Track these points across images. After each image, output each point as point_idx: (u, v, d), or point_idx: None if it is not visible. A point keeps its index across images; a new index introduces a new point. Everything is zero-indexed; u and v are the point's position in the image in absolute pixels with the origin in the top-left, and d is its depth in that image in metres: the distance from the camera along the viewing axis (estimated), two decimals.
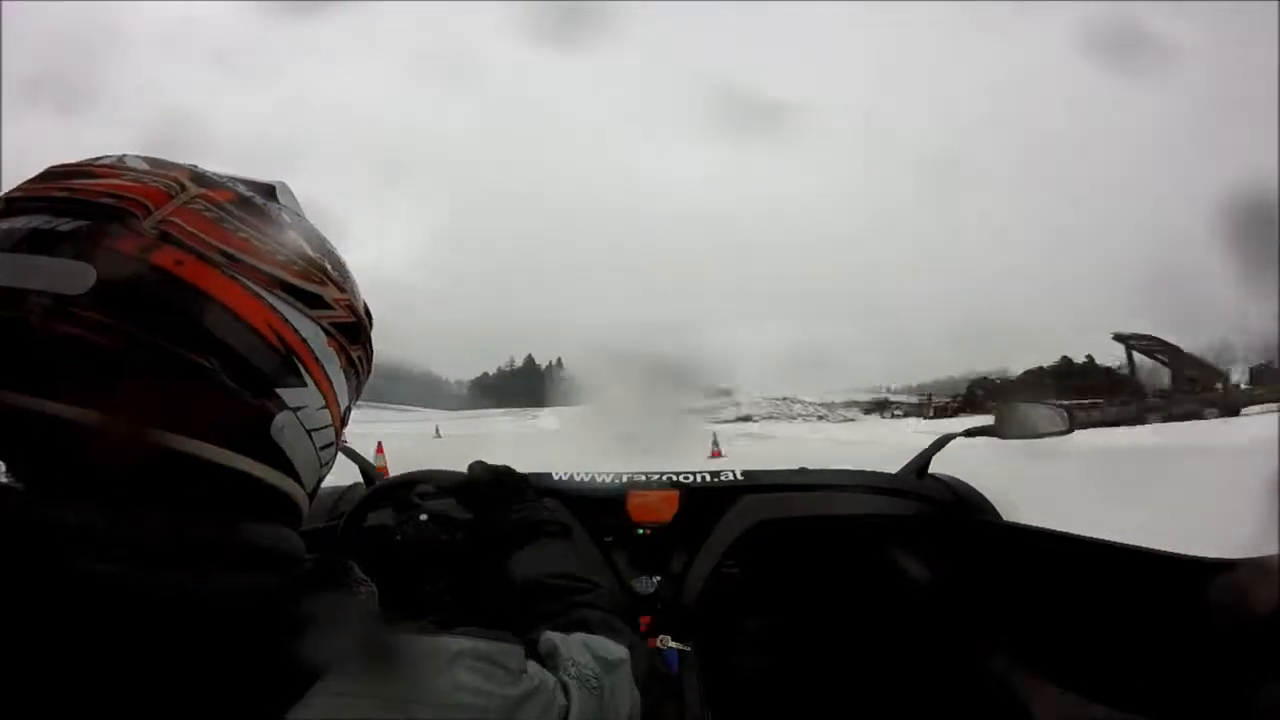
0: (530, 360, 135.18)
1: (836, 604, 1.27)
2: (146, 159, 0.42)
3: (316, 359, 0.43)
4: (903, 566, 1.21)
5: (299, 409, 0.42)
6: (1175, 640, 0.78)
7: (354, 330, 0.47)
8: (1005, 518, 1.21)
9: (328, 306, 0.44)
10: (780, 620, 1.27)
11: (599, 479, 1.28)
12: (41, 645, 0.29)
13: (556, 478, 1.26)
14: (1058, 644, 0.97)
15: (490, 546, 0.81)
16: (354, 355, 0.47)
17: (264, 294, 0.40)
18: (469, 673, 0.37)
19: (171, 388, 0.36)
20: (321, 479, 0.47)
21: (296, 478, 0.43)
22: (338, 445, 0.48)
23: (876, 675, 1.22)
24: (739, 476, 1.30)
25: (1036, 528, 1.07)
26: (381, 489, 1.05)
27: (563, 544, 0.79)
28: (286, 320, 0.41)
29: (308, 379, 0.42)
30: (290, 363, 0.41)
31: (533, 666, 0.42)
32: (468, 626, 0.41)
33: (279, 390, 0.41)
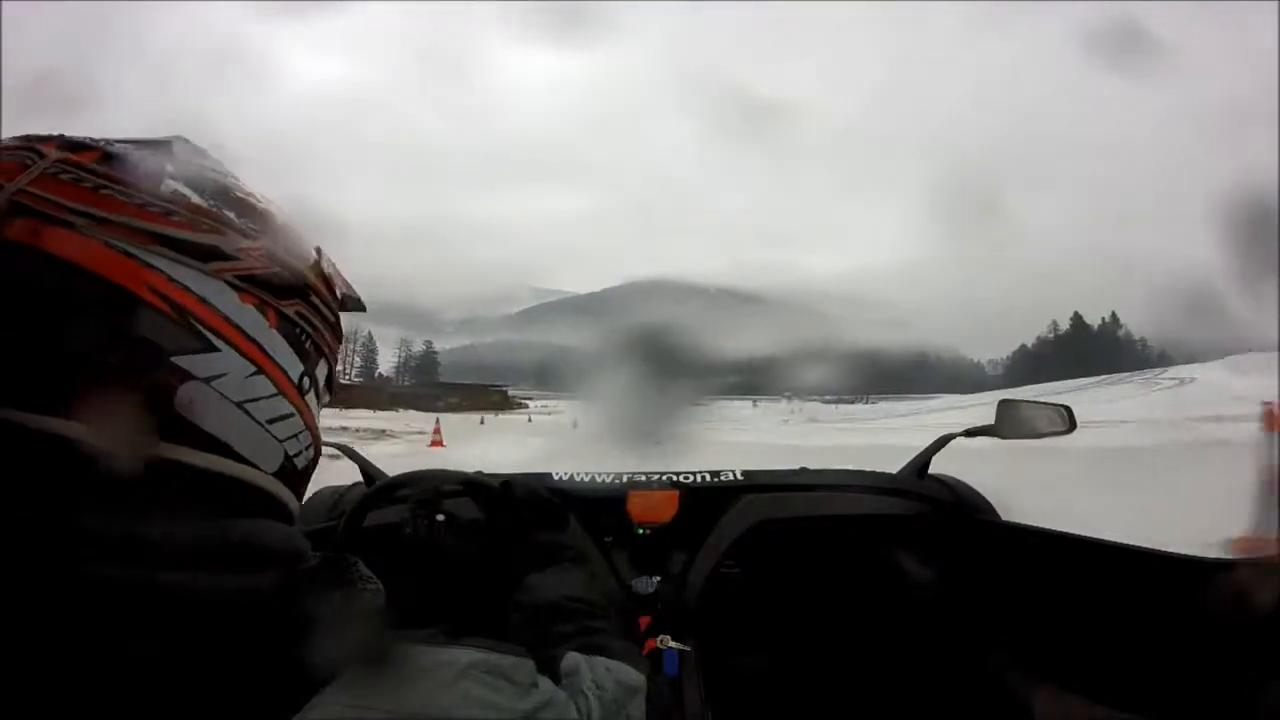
0: (1078, 319, 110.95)
1: (837, 604, 1.27)
2: (12, 137, 0.38)
3: (228, 320, 0.38)
4: (903, 566, 1.21)
5: (214, 378, 0.37)
6: (1175, 640, 0.78)
7: (278, 283, 0.41)
8: (1004, 517, 1.21)
9: (229, 258, 0.39)
10: (780, 620, 1.27)
11: (599, 479, 1.28)
12: (46, 648, 0.29)
13: (556, 478, 1.26)
14: (1058, 644, 0.97)
15: (506, 560, 0.82)
16: (288, 311, 0.42)
17: (136, 251, 0.36)
18: (479, 685, 0.36)
19: (52, 373, 0.33)
20: (293, 455, 0.42)
21: (239, 458, 0.38)
22: (306, 417, 0.43)
23: (877, 675, 1.22)
24: (739, 476, 1.30)
25: (1037, 528, 1.07)
26: (381, 489, 1.05)
27: (580, 569, 0.80)
28: (172, 278, 0.36)
29: (219, 343, 0.38)
30: (187, 326, 0.37)
31: (543, 681, 0.41)
32: (476, 638, 0.40)
33: (177, 359, 0.36)
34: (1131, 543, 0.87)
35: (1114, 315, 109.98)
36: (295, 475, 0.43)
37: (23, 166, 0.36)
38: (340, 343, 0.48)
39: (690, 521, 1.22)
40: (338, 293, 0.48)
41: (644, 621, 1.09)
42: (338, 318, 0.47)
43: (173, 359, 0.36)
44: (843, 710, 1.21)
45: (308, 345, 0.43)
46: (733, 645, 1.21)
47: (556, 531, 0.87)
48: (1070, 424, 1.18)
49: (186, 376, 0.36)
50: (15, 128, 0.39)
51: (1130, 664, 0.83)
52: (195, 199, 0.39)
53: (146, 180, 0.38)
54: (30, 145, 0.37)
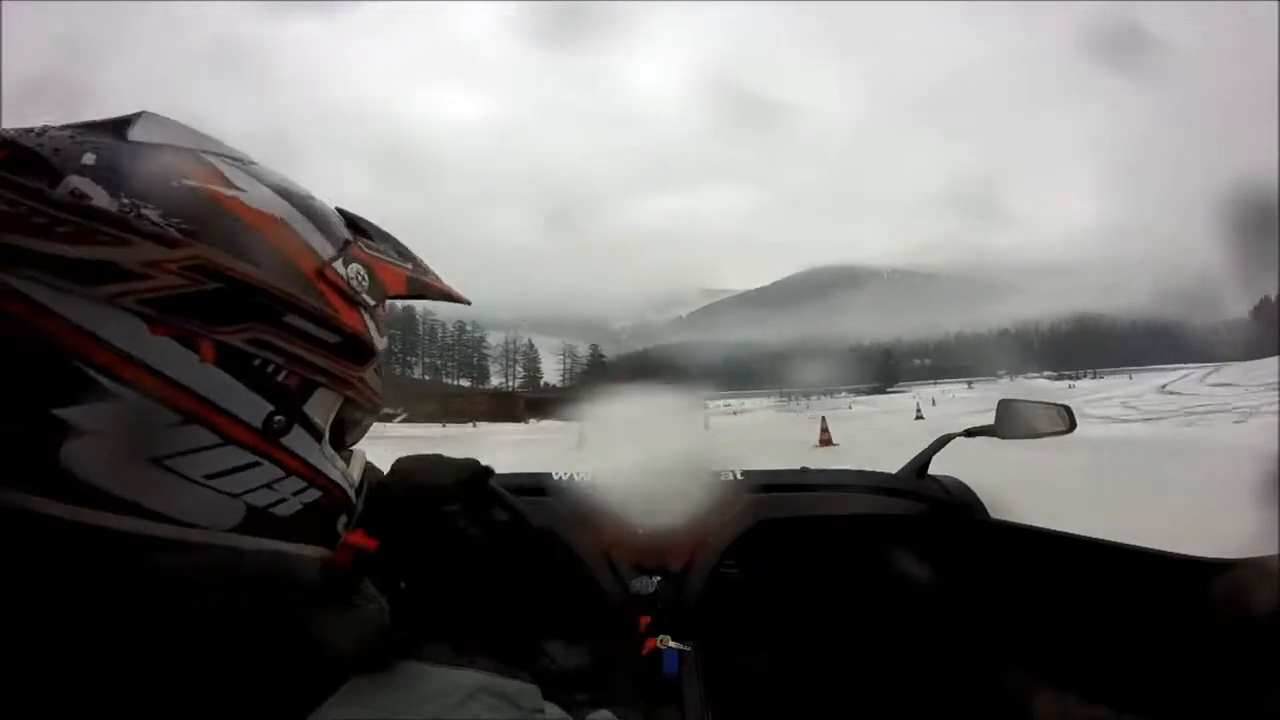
0: None
1: (836, 604, 1.27)
2: None
3: (130, 358, 0.31)
4: (903, 566, 1.21)
5: (111, 431, 0.31)
6: (1175, 640, 0.78)
7: (214, 303, 0.33)
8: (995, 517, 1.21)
9: (128, 276, 0.31)
10: (780, 620, 1.27)
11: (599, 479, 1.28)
12: (48, 660, 0.29)
13: (556, 478, 1.26)
14: (1058, 644, 0.97)
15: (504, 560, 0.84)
16: (233, 341, 0.33)
17: (10, 279, 0.29)
18: (486, 709, 0.37)
19: None
20: (268, 506, 0.36)
21: (166, 519, 0.32)
22: (290, 462, 0.36)
23: (877, 675, 1.22)
24: (739, 476, 1.30)
25: (1037, 528, 1.07)
26: (381, 487, 1.04)
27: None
28: (47, 309, 0.29)
29: (119, 389, 0.30)
30: (67, 370, 0.30)
31: (550, 708, 0.41)
32: (483, 658, 0.40)
33: (57, 411, 0.30)
34: (1131, 543, 0.87)
35: None
36: (283, 524, 0.37)
37: None
38: (364, 364, 0.40)
39: (690, 521, 1.22)
40: (363, 299, 0.40)
41: (644, 621, 1.09)
42: (350, 333, 0.38)
43: (52, 411, 0.30)
44: (843, 710, 1.21)
45: (281, 378, 0.35)
46: (733, 645, 1.21)
47: (517, 529, 0.91)
48: (1070, 424, 1.18)
49: (71, 432, 0.30)
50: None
51: (1130, 664, 0.83)
52: (99, 200, 0.31)
53: (45, 181, 0.31)
54: None
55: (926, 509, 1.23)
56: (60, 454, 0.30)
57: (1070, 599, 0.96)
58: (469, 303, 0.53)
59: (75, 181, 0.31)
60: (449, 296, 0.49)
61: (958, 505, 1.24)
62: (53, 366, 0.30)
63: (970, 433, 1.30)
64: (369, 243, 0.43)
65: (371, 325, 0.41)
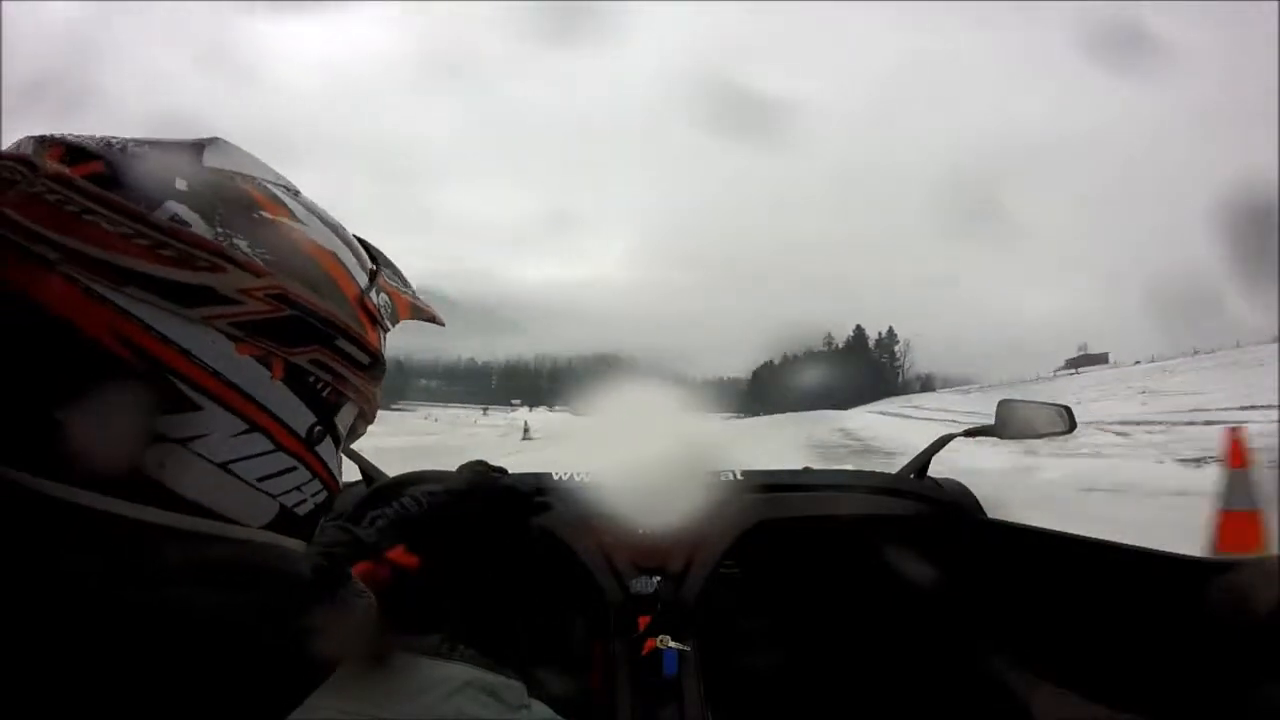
0: (860, 334, 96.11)
1: (836, 604, 1.27)
2: (21, 140, 0.34)
3: (217, 375, 0.33)
4: (903, 566, 1.21)
5: (192, 439, 0.33)
6: (1175, 640, 0.78)
7: (291, 328, 0.36)
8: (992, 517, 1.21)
9: (226, 301, 0.33)
10: (780, 620, 1.27)
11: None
12: (38, 657, 0.29)
13: (556, 478, 1.26)
14: (1058, 644, 0.97)
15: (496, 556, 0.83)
16: (299, 361, 0.37)
17: (109, 293, 0.31)
18: (472, 703, 0.37)
19: (6, 426, 0.31)
20: (293, 506, 0.38)
21: (216, 516, 0.35)
22: (316, 467, 0.39)
23: (877, 675, 1.22)
24: (739, 476, 1.30)
25: (1036, 528, 1.07)
26: (381, 489, 1.05)
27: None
28: (146, 325, 0.32)
29: (203, 401, 0.33)
30: (161, 381, 0.32)
31: (536, 705, 0.42)
32: (473, 652, 0.41)
33: (147, 419, 0.32)
34: (1130, 543, 0.87)
35: (890, 330, 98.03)
36: (298, 521, 0.40)
37: (8, 183, 0.31)
38: (378, 381, 0.43)
39: (690, 521, 1.22)
40: (385, 324, 0.44)
41: (643, 621, 1.09)
42: (376, 355, 0.42)
43: (142, 419, 0.32)
44: (843, 710, 1.21)
45: (325, 394, 0.39)
46: (733, 645, 1.21)
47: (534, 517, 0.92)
48: (1070, 424, 1.18)
49: (157, 438, 0.32)
50: (18, 125, 0.36)
51: (1130, 664, 0.83)
52: (198, 228, 0.34)
53: (144, 203, 0.33)
54: (22, 158, 0.32)
55: (925, 509, 1.24)
56: (144, 460, 0.32)
57: (1070, 598, 0.96)
58: (444, 324, 0.56)
59: (174, 207, 0.34)
60: (433, 319, 0.53)
61: (956, 505, 1.24)
62: (147, 378, 0.32)
63: (971, 433, 1.30)
64: (386, 272, 0.47)
65: (384, 347, 0.45)
